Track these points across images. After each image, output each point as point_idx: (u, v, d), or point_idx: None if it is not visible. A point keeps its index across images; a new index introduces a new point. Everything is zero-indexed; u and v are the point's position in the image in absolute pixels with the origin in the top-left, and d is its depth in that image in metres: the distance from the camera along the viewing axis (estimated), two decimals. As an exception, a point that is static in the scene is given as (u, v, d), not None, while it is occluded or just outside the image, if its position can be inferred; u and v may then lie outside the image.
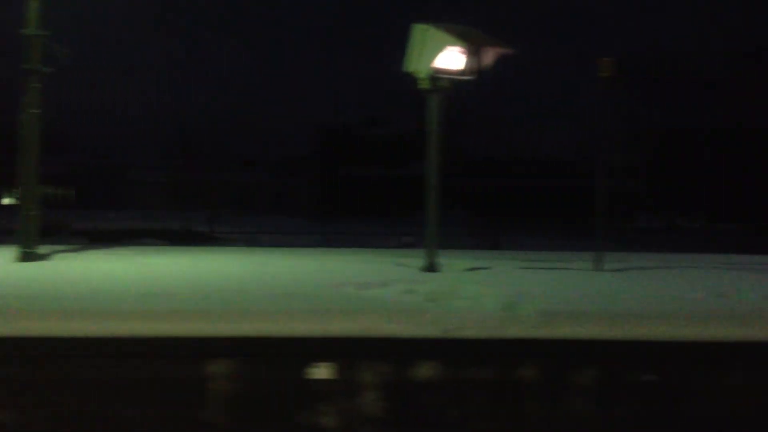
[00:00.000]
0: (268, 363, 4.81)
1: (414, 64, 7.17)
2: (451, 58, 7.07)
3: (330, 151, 58.96)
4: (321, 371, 4.82)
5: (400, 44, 7.13)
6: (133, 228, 24.42)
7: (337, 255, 8.21)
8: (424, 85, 7.20)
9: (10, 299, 5.05)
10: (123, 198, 49.42)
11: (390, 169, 49.44)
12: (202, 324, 4.84)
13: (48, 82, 7.27)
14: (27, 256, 7.22)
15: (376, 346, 4.86)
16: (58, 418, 4.61)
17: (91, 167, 54.16)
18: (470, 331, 4.94)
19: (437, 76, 7.07)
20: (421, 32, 7.03)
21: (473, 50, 7.08)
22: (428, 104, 7.27)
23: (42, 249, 7.47)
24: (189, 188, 33.41)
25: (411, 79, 7.26)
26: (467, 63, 7.10)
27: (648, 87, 39.72)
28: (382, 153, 53.07)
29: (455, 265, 7.46)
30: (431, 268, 7.17)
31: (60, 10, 7.53)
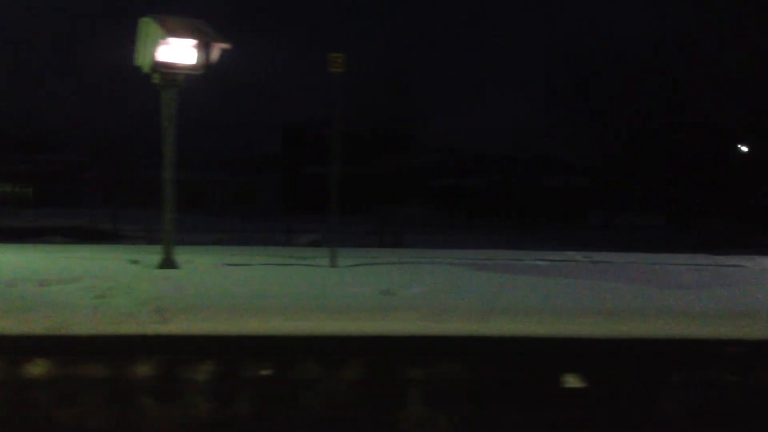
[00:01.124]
0: None
1: (140, 58, 7.11)
2: (182, 52, 7.00)
3: (288, 149, 58.99)
4: None
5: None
6: (47, 226, 24.36)
7: (88, 251, 8.13)
8: (155, 79, 7.13)
9: None
10: (76, 196, 49.33)
11: (345, 167, 49.33)
12: None
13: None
14: None
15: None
16: None
17: (53, 166, 54.01)
18: (75, 328, 4.88)
19: (163, 70, 7.00)
20: (144, 25, 6.97)
21: (203, 45, 7.02)
22: (161, 100, 7.20)
23: None
24: (130, 187, 33.30)
25: (144, 74, 7.21)
26: (198, 57, 7.05)
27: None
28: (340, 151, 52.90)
29: (200, 262, 7.42)
30: (167, 264, 7.11)
31: None
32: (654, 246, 14.87)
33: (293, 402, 4.94)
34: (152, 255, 7.72)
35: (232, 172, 58.25)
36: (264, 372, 4.96)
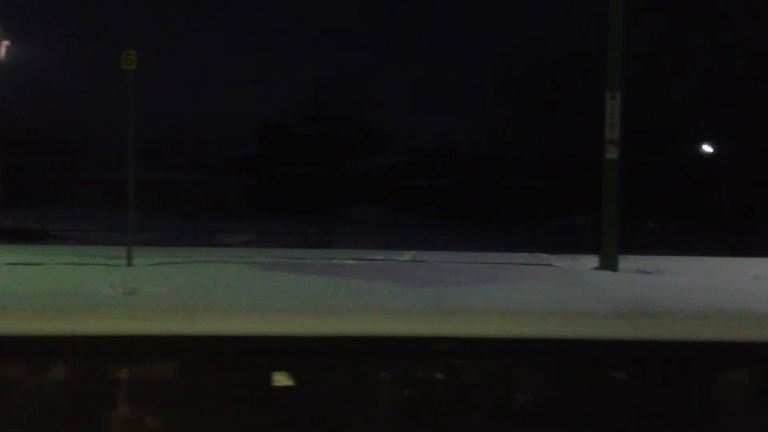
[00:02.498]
0: None
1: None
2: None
3: (265, 151, 58.96)
4: None
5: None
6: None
7: None
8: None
9: None
10: (43, 196, 49.05)
11: (310, 168, 49.25)
12: None
13: None
14: None
15: None
16: None
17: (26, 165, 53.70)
18: None
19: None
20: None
21: (-6, 42, 6.99)
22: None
23: None
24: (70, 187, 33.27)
25: None
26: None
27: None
28: (313, 151, 52.89)
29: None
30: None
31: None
32: (575, 246, 14.79)
33: None
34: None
35: (209, 173, 58.11)
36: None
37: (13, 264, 7.07)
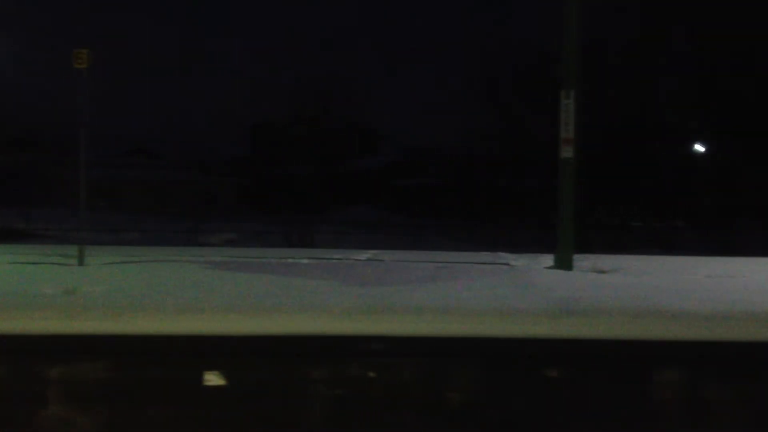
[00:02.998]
0: None
1: None
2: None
3: (257, 150, 59.00)
4: None
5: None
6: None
7: None
8: None
9: None
10: (37, 196, 48.93)
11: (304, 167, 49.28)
12: None
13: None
14: None
15: None
16: None
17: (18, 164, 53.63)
18: None
19: None
20: None
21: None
22: None
23: None
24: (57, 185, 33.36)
25: None
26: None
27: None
28: (306, 151, 52.91)
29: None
30: None
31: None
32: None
33: None
34: None
35: (205, 173, 58.15)
36: None
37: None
